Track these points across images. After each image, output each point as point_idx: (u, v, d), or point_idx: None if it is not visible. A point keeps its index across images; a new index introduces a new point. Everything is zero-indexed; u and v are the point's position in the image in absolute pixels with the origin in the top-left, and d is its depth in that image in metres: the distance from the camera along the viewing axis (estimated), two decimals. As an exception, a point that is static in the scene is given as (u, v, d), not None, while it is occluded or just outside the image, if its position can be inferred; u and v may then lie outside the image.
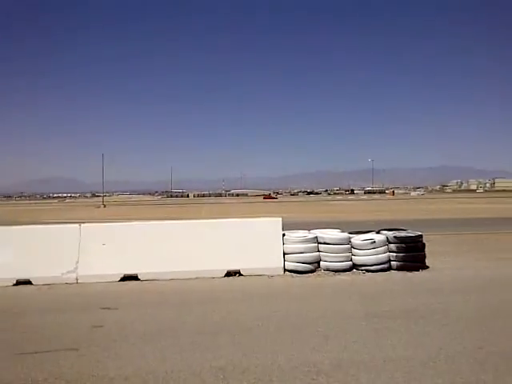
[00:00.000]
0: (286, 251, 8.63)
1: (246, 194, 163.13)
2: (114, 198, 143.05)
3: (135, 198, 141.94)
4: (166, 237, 8.67)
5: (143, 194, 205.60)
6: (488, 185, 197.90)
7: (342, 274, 8.45)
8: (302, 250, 8.55)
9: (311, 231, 9.20)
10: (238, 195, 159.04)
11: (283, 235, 8.75)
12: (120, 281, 8.09)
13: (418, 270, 8.53)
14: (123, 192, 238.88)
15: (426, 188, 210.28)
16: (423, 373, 3.97)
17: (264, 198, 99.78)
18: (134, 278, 8.16)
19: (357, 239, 8.68)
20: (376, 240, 8.52)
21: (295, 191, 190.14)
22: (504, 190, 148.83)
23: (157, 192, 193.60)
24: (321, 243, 8.70)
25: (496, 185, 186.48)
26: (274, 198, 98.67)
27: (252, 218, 11.37)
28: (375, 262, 8.45)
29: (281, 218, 8.87)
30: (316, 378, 3.93)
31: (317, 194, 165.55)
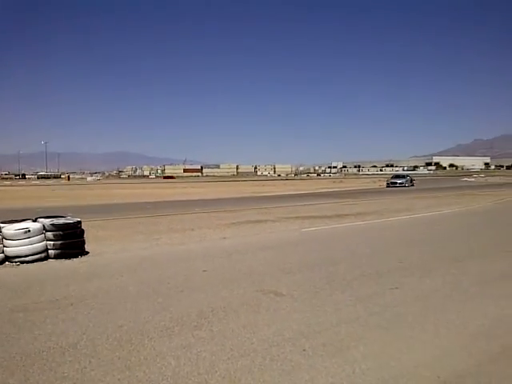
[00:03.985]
0: None
1: None
2: None
3: None
4: None
5: None
6: (160, 171, 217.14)
7: (-10, 268, 7.58)
8: None
9: (-49, 223, 7.89)
10: None
11: None
12: None
13: (77, 257, 8.45)
14: None
15: (103, 173, 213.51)
16: (61, 361, 3.92)
17: None
18: None
19: (9, 229, 7.92)
20: (31, 229, 7.97)
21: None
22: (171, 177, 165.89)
23: None
24: (-37, 236, 7.56)
25: (166, 171, 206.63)
26: None
27: None
28: (30, 252, 7.90)
29: None
30: None
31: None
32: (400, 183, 46.71)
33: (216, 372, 3.70)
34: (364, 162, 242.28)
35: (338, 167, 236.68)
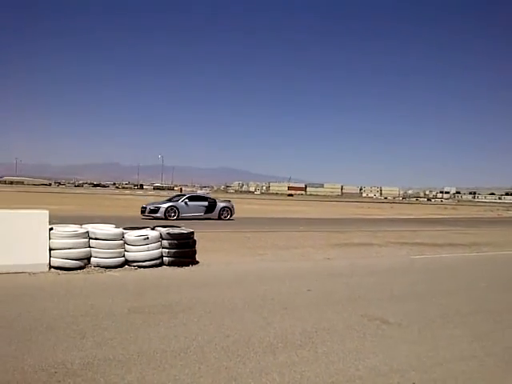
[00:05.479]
0: (52, 246, 8.02)
1: (23, 182, 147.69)
2: None
3: None
4: None
5: None
6: (264, 187, 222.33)
7: (113, 270, 8.27)
8: (71, 246, 8.06)
9: (83, 226, 8.77)
10: (12, 183, 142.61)
11: (51, 229, 8.13)
12: None
13: (189, 266, 8.91)
14: None
15: (212, 187, 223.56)
16: (173, 364, 4.15)
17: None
18: None
19: (130, 235, 8.61)
20: (149, 236, 8.59)
21: (80, 182, 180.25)
22: (276, 193, 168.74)
23: None
24: (92, 238, 8.34)
25: (270, 188, 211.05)
26: None
27: (17, 209, 10.18)
28: (147, 257, 8.51)
29: (47, 211, 8.23)
30: (62, 380, 3.74)
31: (104, 186, 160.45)
32: (152, 210, 22.49)
33: (320, 394, 3.67)
34: (481, 189, 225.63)
35: (451, 193, 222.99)
